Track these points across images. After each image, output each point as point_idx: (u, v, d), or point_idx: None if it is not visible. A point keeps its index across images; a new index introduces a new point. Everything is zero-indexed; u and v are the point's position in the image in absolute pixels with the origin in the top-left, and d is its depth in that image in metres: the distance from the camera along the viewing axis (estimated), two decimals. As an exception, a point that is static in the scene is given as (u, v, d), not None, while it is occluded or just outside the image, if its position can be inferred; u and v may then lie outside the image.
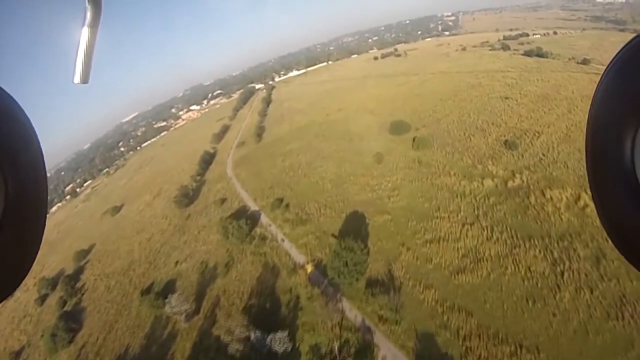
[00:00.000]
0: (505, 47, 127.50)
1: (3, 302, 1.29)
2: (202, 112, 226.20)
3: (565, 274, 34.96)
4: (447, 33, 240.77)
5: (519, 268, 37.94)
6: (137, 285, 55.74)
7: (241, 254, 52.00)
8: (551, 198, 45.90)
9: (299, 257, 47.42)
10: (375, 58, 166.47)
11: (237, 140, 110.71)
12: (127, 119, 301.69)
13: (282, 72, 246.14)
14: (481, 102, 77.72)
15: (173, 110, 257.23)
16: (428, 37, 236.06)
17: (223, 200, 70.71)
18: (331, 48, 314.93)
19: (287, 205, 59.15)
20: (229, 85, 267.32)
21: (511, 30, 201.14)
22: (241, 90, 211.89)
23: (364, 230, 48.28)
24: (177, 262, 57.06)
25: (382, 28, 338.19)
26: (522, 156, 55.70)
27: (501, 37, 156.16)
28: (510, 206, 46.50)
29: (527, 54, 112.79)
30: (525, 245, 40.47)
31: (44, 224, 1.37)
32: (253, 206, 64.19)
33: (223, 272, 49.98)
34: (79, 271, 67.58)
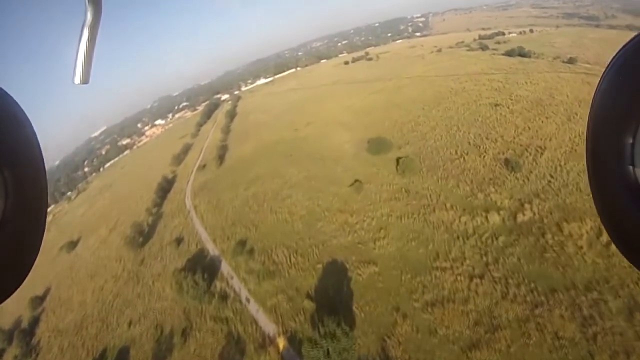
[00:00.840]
0: (484, 47, 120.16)
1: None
2: (167, 127, 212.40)
3: (598, 337, 26.74)
4: (417, 34, 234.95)
5: (544, 335, 28.59)
6: (89, 349, 45.51)
7: (200, 318, 40.95)
8: (570, 234, 36.50)
9: (269, 326, 36.41)
10: (346, 62, 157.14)
11: (197, 162, 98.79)
12: (96, 134, 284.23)
13: (249, 81, 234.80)
14: (469, 110, 68.60)
15: (139, 125, 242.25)
16: (399, 39, 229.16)
17: (179, 241, 59.20)
18: (300, 53, 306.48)
19: (251, 251, 47.96)
20: (196, 95, 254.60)
21: (483, 29, 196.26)
22: (207, 102, 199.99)
23: (346, 288, 37.56)
24: (130, 323, 46.31)
25: (351, 31, 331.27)
26: (528, 179, 46.31)
27: (476, 37, 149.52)
28: (524, 248, 36.74)
29: (509, 53, 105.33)
30: (548, 302, 30.89)
31: (44, 225, 1.37)
32: (212, 249, 52.83)
33: (180, 342, 39.10)
34: (35, 322, 56.73)
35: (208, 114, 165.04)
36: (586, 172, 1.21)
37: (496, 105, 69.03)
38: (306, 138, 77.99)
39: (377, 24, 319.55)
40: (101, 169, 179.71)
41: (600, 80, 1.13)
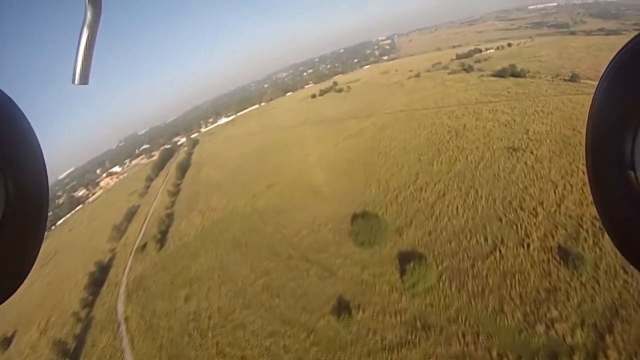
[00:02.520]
0: (467, 68, 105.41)
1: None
2: (121, 176, 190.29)
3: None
4: (385, 58, 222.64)
5: None
6: None
7: None
8: None
9: None
10: (313, 96, 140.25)
11: (138, 238, 78.17)
12: (62, 176, 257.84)
13: (210, 120, 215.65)
14: (483, 162, 51.23)
15: (98, 170, 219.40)
16: (366, 65, 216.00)
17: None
18: (266, 85, 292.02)
19: None
20: (157, 137, 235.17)
21: (454, 47, 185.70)
22: (165, 146, 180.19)
23: None
24: None
25: (317, 59, 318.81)
26: (597, 282, 28.91)
27: (453, 57, 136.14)
28: None
29: (499, 74, 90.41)
30: None
31: (45, 226, 1.38)
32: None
33: None
34: None
35: (161, 164, 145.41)
36: (586, 172, 1.20)
37: (514, 149, 52.31)
38: (266, 211, 58.69)
39: (342, 50, 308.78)
40: (53, 227, 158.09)
41: (600, 81, 1.13)
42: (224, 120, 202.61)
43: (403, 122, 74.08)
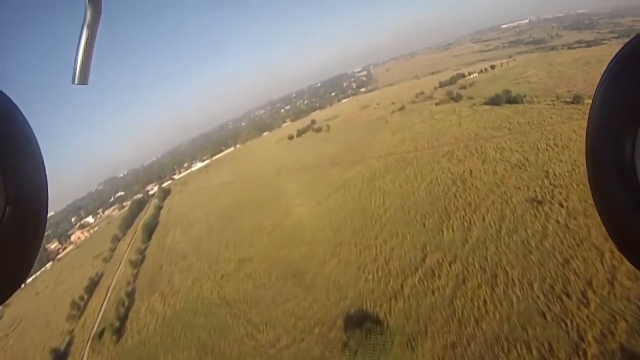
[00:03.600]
0: (455, 97, 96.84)
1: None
2: (92, 230, 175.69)
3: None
4: (363, 90, 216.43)
5: None
6: None
7: None
8: None
9: None
10: (290, 137, 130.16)
11: (97, 321, 64.93)
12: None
13: (185, 164, 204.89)
14: (505, 223, 40.22)
15: (73, 219, 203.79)
16: (344, 98, 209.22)
17: None
18: (243, 124, 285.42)
19: None
20: (134, 181, 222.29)
21: (433, 73, 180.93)
22: (137, 195, 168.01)
23: None
24: None
25: (294, 95, 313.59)
26: None
27: (436, 85, 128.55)
28: None
29: (493, 101, 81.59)
30: None
31: (44, 227, 1.38)
32: None
33: None
34: None
35: (130, 219, 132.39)
36: (586, 172, 1.21)
37: (539, 202, 42.11)
38: (236, 302, 46.52)
39: (319, 84, 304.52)
40: (23, 285, 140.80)
41: (600, 81, 1.15)
42: (198, 165, 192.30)
43: (395, 169, 63.45)
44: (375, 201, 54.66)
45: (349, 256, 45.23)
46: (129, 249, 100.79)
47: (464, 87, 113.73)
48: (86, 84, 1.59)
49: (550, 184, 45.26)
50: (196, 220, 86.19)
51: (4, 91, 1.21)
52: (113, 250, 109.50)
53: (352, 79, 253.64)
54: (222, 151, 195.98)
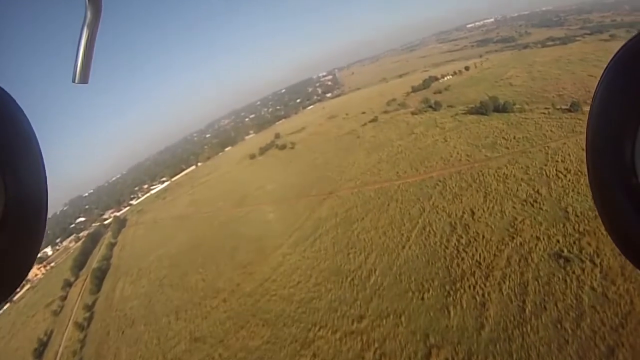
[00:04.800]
0: (434, 105, 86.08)
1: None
2: (49, 265, 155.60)
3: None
4: (329, 95, 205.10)
5: None
6: None
7: None
8: None
9: None
10: (252, 156, 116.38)
11: None
12: None
13: (145, 186, 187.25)
14: (528, 297, 29.17)
15: None
16: (310, 105, 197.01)
17: None
18: (208, 135, 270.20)
19: None
20: (96, 203, 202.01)
21: (401, 76, 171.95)
22: (95, 224, 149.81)
23: None
24: None
25: (258, 103, 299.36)
26: None
27: (409, 89, 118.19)
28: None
29: (479, 111, 71.05)
30: None
31: (44, 226, 1.37)
32: None
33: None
34: None
35: (82, 259, 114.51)
36: (586, 172, 1.20)
37: (565, 259, 32.10)
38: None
39: (283, 90, 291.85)
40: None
41: (600, 80, 1.14)
42: (157, 187, 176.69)
43: (375, 206, 51.23)
44: (356, 258, 42.13)
45: (326, 349, 32.46)
46: (78, 300, 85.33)
47: (439, 92, 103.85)
48: (86, 83, 1.59)
49: (574, 229, 34.74)
50: (147, 269, 71.63)
51: (5, 90, 1.20)
52: (64, 299, 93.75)
53: (318, 84, 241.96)
54: (182, 170, 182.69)
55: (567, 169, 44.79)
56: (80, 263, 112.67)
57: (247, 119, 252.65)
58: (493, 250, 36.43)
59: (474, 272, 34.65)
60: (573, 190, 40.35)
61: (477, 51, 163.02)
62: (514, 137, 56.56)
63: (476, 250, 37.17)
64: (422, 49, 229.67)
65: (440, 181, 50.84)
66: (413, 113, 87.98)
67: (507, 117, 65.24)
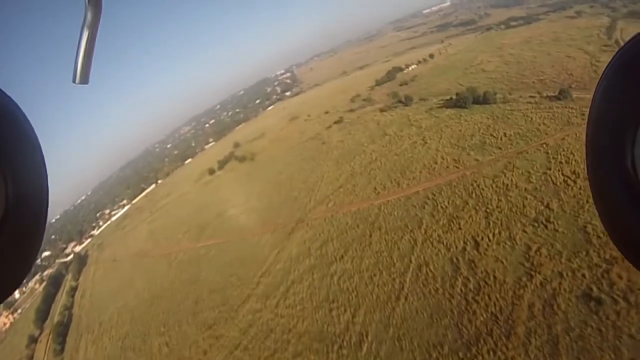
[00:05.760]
0: (404, 101, 77.52)
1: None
2: (17, 313, 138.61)
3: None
4: (288, 94, 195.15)
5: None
6: None
7: None
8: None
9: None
10: (212, 172, 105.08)
11: None
12: None
13: (106, 212, 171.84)
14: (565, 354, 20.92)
15: None
16: (269, 106, 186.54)
17: None
18: (169, 146, 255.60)
19: None
20: (61, 231, 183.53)
21: (361, 68, 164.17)
22: (59, 260, 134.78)
23: None
24: None
25: (218, 107, 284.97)
26: None
27: (372, 83, 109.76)
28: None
29: (457, 103, 63.10)
30: None
31: (45, 226, 1.37)
32: None
33: None
34: None
35: (45, 307, 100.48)
36: (586, 172, 1.20)
37: (597, 301, 25.36)
38: None
39: (242, 92, 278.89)
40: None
41: (600, 79, 1.13)
42: (118, 212, 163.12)
43: (355, 239, 41.83)
44: (340, 316, 32.74)
45: None
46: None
47: (406, 84, 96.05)
48: (87, 83, 1.58)
49: (600, 256, 27.35)
50: (108, 324, 60.60)
51: (5, 90, 1.19)
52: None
53: (276, 83, 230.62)
54: (142, 191, 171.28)
55: (574, 173, 37.21)
56: (43, 314, 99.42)
57: (207, 125, 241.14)
58: (510, 297, 28.19)
59: (491, 329, 26.29)
60: (588, 202, 32.77)
61: (438, 36, 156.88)
62: (504, 135, 48.71)
63: (489, 297, 28.68)
64: (380, 39, 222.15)
65: (428, 198, 42.09)
66: (382, 110, 79.23)
67: (490, 110, 57.52)
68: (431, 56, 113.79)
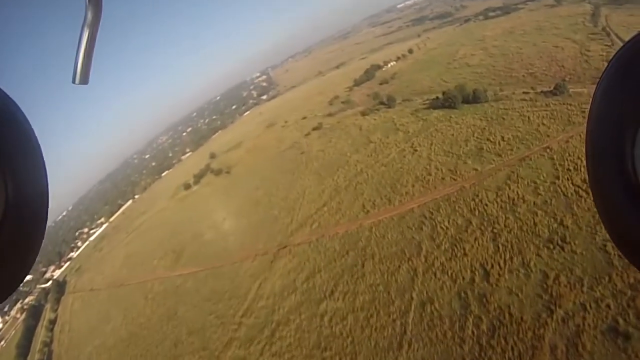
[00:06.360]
0: (388, 101, 72.64)
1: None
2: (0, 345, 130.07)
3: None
4: (264, 97, 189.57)
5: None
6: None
7: None
8: None
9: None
10: (187, 187, 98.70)
11: None
12: None
13: (85, 230, 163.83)
14: None
15: None
16: (246, 111, 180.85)
17: None
18: (147, 156, 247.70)
19: None
20: (42, 253, 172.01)
21: (338, 67, 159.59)
22: (40, 286, 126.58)
23: None
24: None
25: (194, 114, 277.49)
26: None
27: (350, 83, 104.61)
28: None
29: (446, 104, 58.33)
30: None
31: (45, 226, 1.37)
32: None
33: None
34: None
35: (25, 342, 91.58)
36: (586, 172, 1.20)
37: (624, 336, 21.32)
38: None
39: (218, 97, 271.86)
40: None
41: (600, 79, 1.12)
42: (96, 231, 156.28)
43: (345, 269, 36.52)
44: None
45: None
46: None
47: (386, 82, 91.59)
48: (86, 83, 1.58)
49: (624, 281, 23.75)
50: None
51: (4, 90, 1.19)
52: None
53: (252, 87, 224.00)
54: (120, 207, 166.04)
55: (585, 182, 32.71)
56: (24, 349, 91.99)
57: (184, 133, 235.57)
58: (529, 338, 23.72)
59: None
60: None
61: (414, 31, 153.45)
62: (502, 138, 44.13)
63: (506, 341, 24.03)
64: (356, 36, 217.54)
65: (425, 217, 37.06)
66: (363, 113, 74.11)
67: (482, 110, 53.01)
68: (410, 51, 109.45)
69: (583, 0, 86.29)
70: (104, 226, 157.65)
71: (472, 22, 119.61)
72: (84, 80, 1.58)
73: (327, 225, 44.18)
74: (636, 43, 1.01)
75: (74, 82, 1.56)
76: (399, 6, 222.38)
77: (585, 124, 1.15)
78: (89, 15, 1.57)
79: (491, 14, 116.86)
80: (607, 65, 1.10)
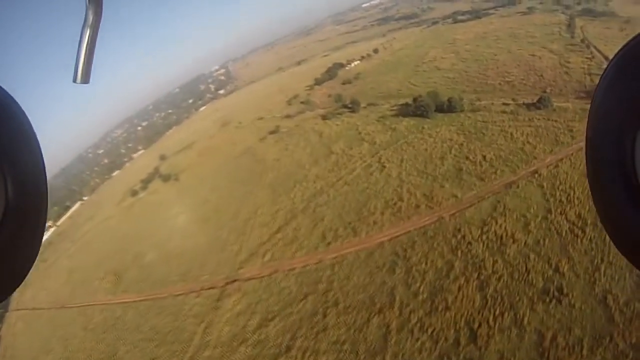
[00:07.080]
0: (351, 106, 65.95)
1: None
2: None
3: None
4: (222, 92, 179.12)
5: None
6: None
7: None
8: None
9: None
10: (134, 193, 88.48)
11: None
12: None
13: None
14: None
15: None
16: (202, 106, 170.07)
17: None
18: (101, 151, 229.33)
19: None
20: None
21: (299, 63, 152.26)
22: None
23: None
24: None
25: (151, 107, 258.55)
26: None
27: (311, 82, 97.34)
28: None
29: (417, 111, 52.60)
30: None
31: (44, 225, 1.36)
32: None
33: None
34: None
35: None
36: (586, 172, 1.20)
37: None
38: None
39: (177, 90, 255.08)
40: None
41: (600, 79, 1.12)
42: (43, 238, 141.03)
43: (304, 318, 29.46)
44: None
45: None
46: None
47: (349, 82, 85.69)
48: (88, 82, 1.58)
49: (625, 341, 20.67)
50: None
51: (4, 88, 1.19)
52: None
53: (210, 80, 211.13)
54: (68, 209, 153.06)
55: (580, 217, 28.33)
56: None
57: (139, 127, 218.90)
58: None
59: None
60: (604, 260, 24.23)
61: (379, 30, 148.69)
62: (484, 158, 38.81)
63: None
64: (319, 33, 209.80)
65: (398, 255, 30.80)
66: (324, 117, 67.41)
67: (458, 121, 47.79)
68: (375, 51, 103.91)
69: (556, 10, 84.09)
70: (51, 230, 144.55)
71: (441, 24, 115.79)
72: (85, 79, 1.58)
73: (281, 257, 36.98)
74: (636, 44, 1.00)
75: (75, 81, 1.55)
76: (364, 5, 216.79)
77: (586, 124, 1.13)
78: (90, 15, 1.57)
79: (460, 17, 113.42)
80: (608, 66, 1.09)
